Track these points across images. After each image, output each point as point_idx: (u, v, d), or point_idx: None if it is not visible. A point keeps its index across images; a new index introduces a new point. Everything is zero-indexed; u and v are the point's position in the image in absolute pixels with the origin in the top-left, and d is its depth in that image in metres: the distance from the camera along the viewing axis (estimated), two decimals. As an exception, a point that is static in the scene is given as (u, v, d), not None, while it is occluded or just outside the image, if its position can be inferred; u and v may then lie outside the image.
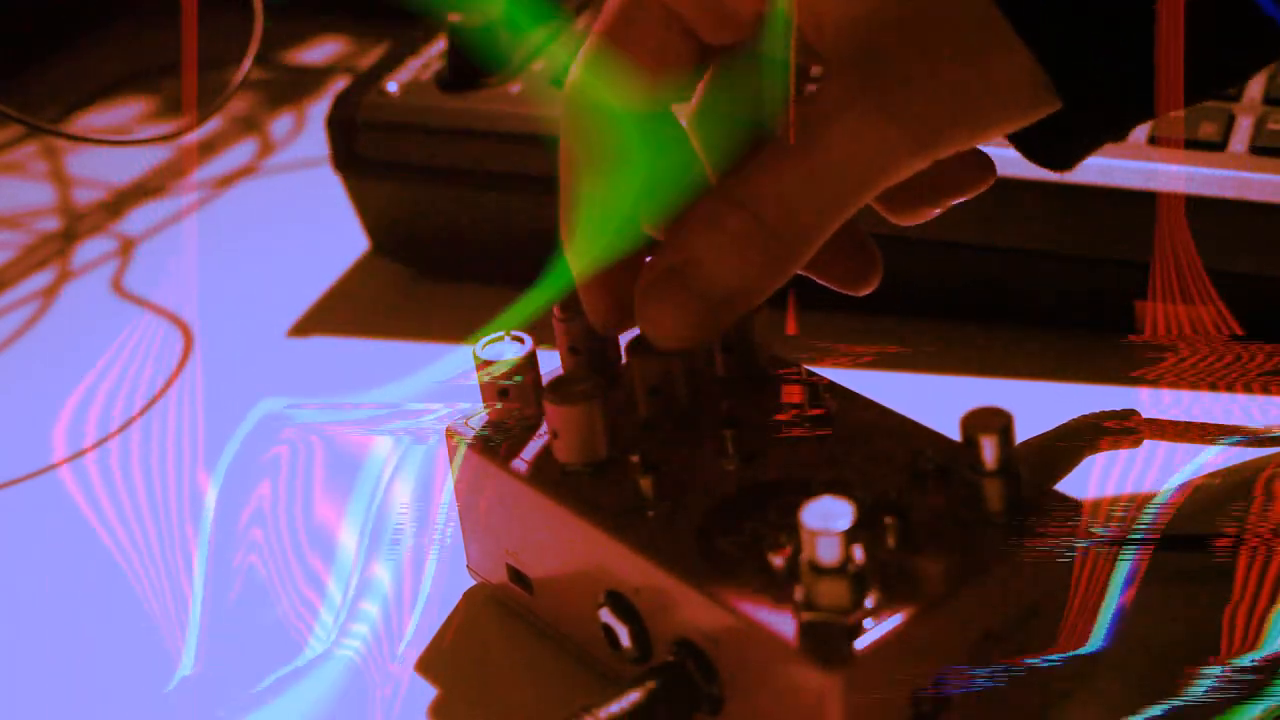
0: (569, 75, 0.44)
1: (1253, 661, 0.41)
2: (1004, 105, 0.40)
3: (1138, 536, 0.44)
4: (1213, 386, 0.49)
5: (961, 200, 0.46)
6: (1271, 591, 0.42)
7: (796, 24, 0.42)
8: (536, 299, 0.47)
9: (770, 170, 0.41)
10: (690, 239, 0.42)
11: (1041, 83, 0.40)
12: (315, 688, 0.46)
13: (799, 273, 0.44)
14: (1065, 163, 0.43)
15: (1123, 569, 0.42)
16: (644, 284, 0.42)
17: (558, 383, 0.44)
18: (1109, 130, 0.42)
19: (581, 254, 0.44)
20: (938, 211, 0.46)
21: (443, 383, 0.54)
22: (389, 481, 0.53)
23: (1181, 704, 0.41)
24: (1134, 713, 0.41)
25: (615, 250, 0.44)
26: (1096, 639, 0.41)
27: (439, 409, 0.52)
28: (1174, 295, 0.45)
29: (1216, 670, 0.41)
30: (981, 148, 0.45)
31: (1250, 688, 0.41)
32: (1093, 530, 0.42)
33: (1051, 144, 0.42)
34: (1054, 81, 0.39)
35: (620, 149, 0.43)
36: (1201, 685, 0.41)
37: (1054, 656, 0.41)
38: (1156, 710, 0.41)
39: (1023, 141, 0.42)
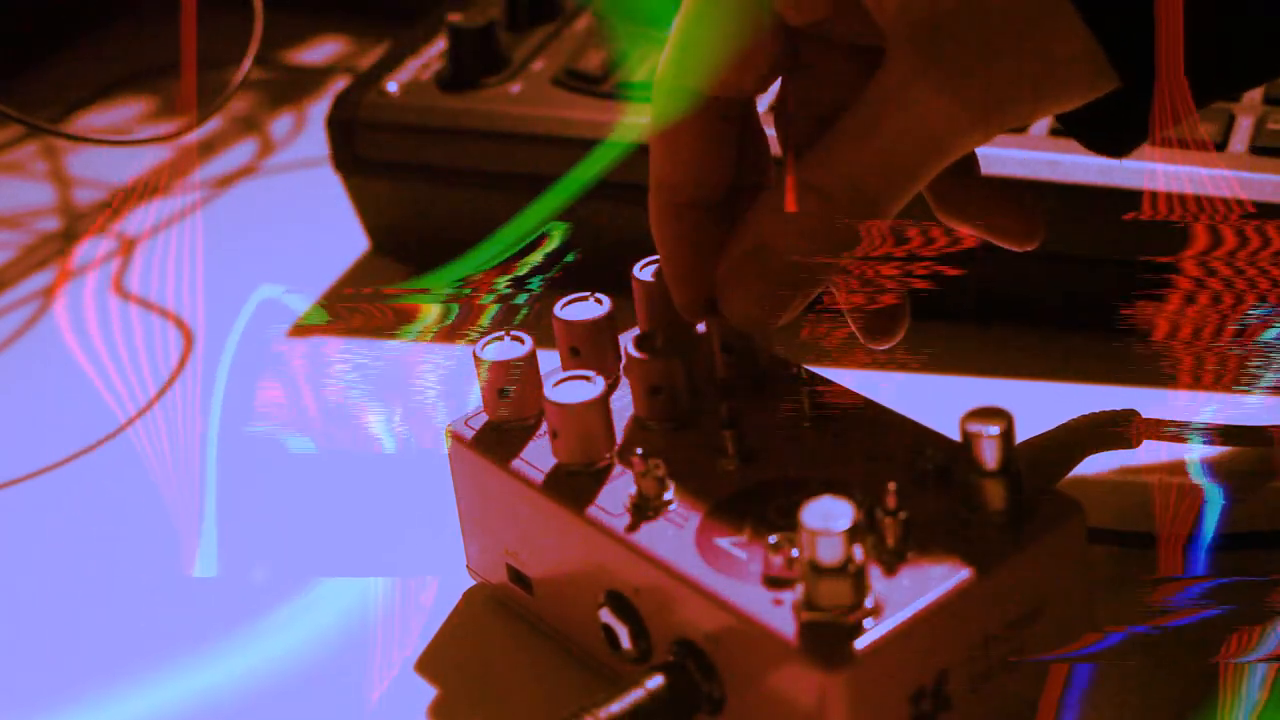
0: (659, 64, 0.45)
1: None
2: (1063, 83, 0.41)
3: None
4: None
5: (994, 243, 0.47)
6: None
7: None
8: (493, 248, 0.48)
9: (836, 150, 0.42)
10: (764, 223, 0.43)
11: (1100, 61, 0.40)
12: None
13: (962, 228, 0.46)
14: (1119, 148, 0.43)
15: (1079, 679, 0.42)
16: (723, 269, 0.44)
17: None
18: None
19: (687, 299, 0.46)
20: (977, 226, 0.47)
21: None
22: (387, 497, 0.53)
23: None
24: None
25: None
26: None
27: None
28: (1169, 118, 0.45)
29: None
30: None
31: None
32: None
33: (1108, 128, 0.43)
34: (1111, 60, 0.40)
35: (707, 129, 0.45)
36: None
37: None
38: None
39: (1080, 127, 0.43)
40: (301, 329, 0.64)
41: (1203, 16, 0.40)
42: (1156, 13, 0.40)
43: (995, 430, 0.40)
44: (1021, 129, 0.55)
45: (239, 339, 0.58)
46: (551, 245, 0.51)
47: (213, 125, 0.79)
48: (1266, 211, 0.52)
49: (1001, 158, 0.55)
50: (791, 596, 0.39)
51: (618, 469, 0.44)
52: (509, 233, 0.54)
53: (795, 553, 0.39)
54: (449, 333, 0.52)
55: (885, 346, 0.47)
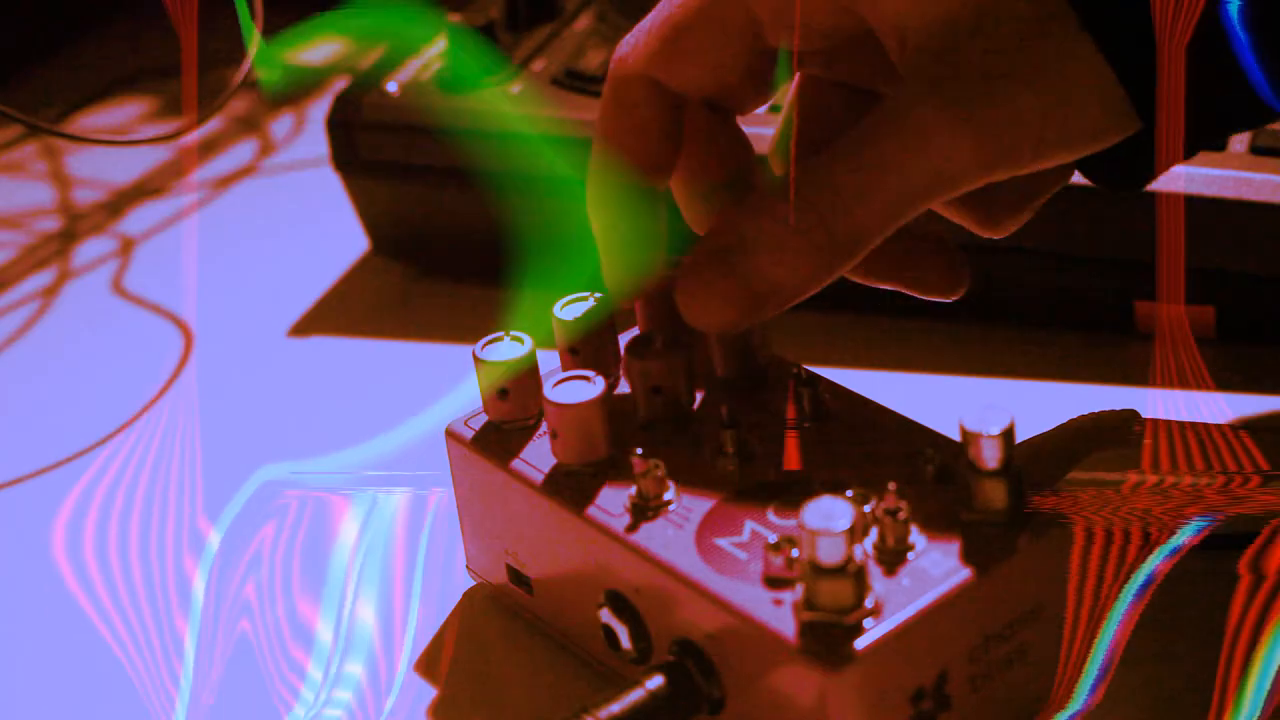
0: (625, 43, 0.44)
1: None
2: (1080, 124, 0.39)
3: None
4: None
5: (1046, 199, 0.46)
6: (1252, 638, 0.41)
7: (874, 41, 0.42)
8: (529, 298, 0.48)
9: (829, 169, 0.40)
10: (742, 223, 0.42)
11: (1120, 106, 0.39)
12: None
13: (881, 285, 0.44)
14: (1139, 185, 0.42)
15: (1111, 623, 0.42)
16: (689, 261, 0.42)
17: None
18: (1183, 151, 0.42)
19: (617, 281, 0.45)
20: (1026, 217, 0.46)
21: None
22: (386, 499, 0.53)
23: None
24: None
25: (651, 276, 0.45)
26: (1082, 694, 0.41)
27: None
28: (1174, 296, 0.45)
29: None
30: None
31: None
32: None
33: (1126, 168, 0.41)
34: (1135, 102, 0.39)
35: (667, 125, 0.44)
36: None
37: None
38: None
39: (1093, 166, 0.42)
40: (301, 328, 0.64)
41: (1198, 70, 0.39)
42: (1159, 55, 0.39)
43: (995, 430, 0.40)
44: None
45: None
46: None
47: (213, 125, 0.79)
48: (1267, 211, 0.52)
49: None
50: (791, 596, 0.39)
51: (617, 469, 0.44)
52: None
53: (795, 553, 0.39)
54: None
55: (953, 299, 0.46)
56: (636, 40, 0.44)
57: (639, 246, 0.44)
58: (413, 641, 0.48)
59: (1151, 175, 0.42)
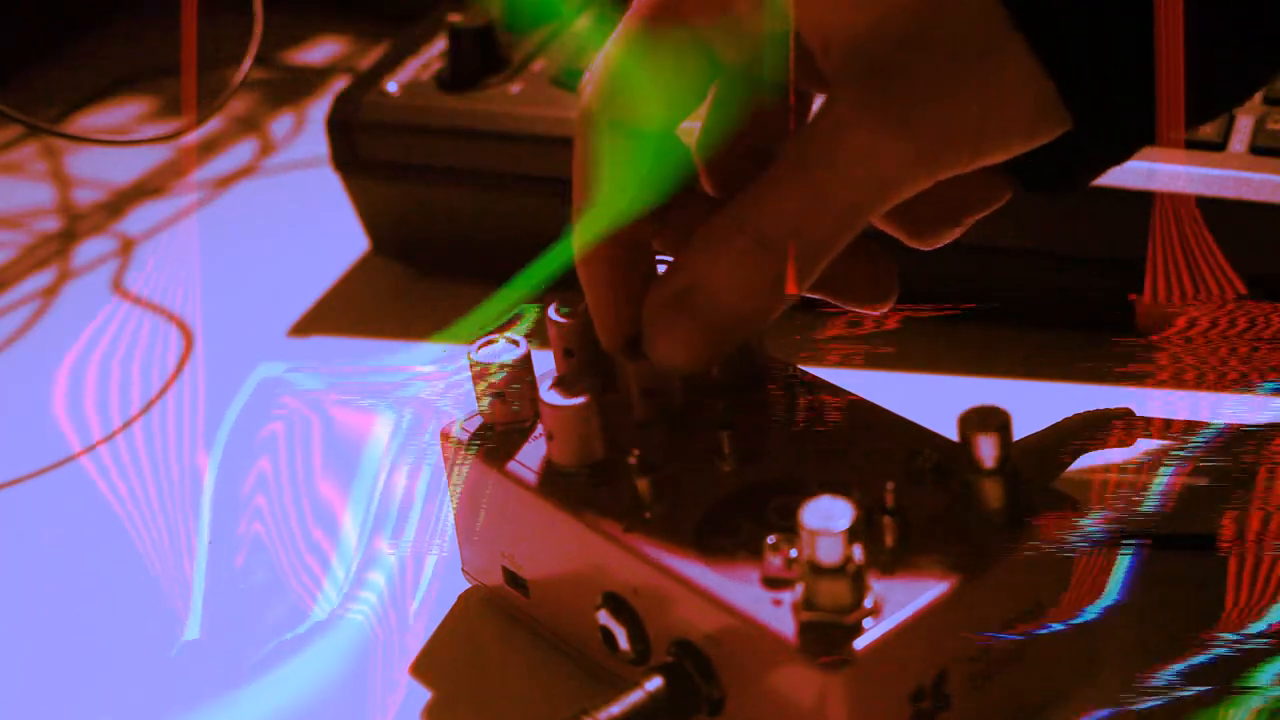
0: (586, 85, 0.43)
1: (1266, 628, 0.41)
2: (1015, 123, 0.39)
3: (1136, 536, 0.44)
4: (1221, 369, 0.48)
5: (980, 216, 0.46)
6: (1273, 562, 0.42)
7: (801, 46, 0.42)
8: (515, 293, 0.47)
9: (773, 189, 0.40)
10: (695, 262, 0.42)
11: (1053, 103, 0.39)
12: (320, 654, 0.46)
13: (812, 296, 0.44)
14: (1069, 188, 0.42)
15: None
16: (650, 309, 0.42)
17: (553, 384, 0.44)
18: (1115, 153, 0.42)
19: (587, 230, 0.44)
20: (959, 231, 0.46)
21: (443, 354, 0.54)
22: (390, 464, 0.53)
23: (1189, 668, 0.41)
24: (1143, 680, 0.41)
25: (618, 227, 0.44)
26: (1104, 600, 0.41)
27: (435, 376, 0.52)
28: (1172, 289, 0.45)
29: (1230, 636, 0.41)
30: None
31: (1261, 654, 0.41)
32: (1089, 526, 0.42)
33: (1056, 169, 0.42)
34: (1067, 101, 0.39)
35: (633, 164, 0.43)
36: (1211, 653, 0.41)
37: (1058, 624, 0.41)
38: (1169, 674, 0.41)
39: (1023, 168, 0.42)
40: (301, 328, 0.64)
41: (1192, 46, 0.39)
42: (1156, 28, 0.39)
43: (993, 429, 0.40)
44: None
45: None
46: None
47: (213, 125, 0.79)
48: (1267, 211, 0.52)
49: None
50: (791, 596, 0.39)
51: (614, 471, 0.44)
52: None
53: (794, 553, 0.39)
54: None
55: (881, 311, 0.46)
56: (590, 81, 0.43)
57: (629, 300, 0.44)
58: (409, 646, 0.48)
59: (1084, 183, 0.42)
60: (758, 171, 0.41)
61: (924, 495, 0.41)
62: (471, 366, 0.45)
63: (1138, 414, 0.48)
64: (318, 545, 0.50)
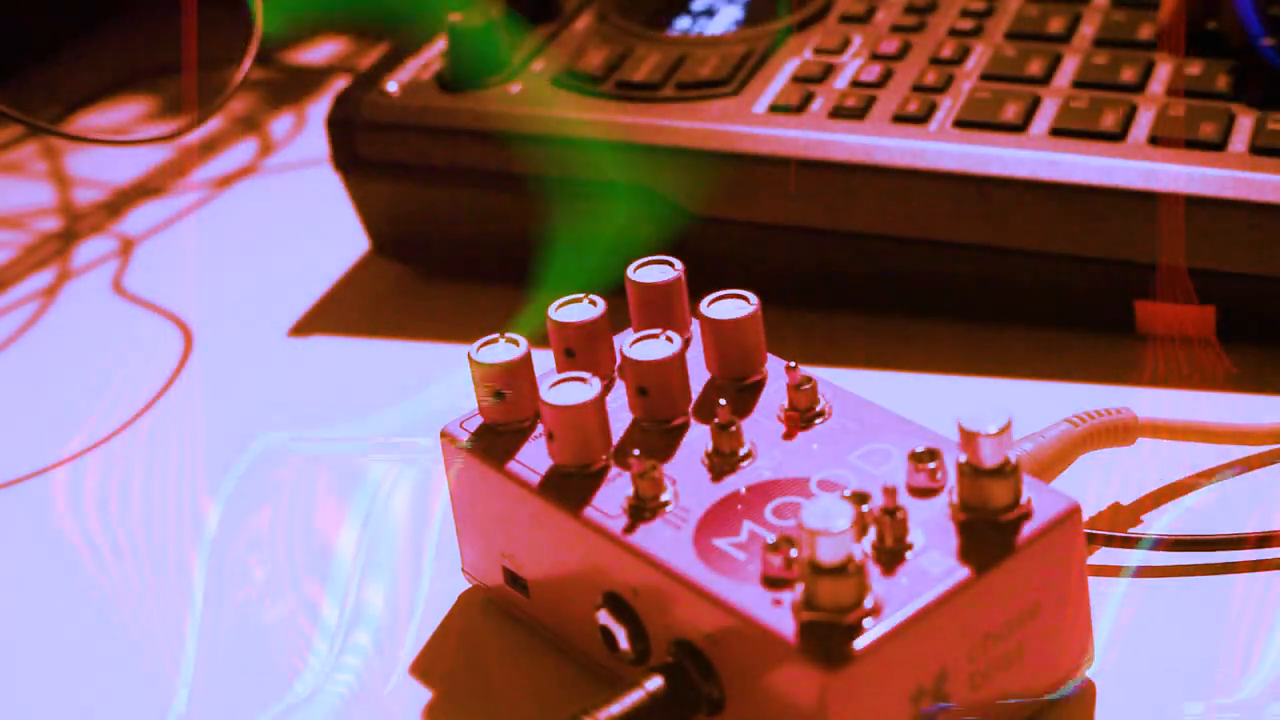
0: None
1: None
2: None
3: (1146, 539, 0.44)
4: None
5: None
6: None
7: None
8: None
9: None
10: None
11: None
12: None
13: None
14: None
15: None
16: None
17: (554, 384, 0.44)
18: None
19: None
20: None
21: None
22: (384, 501, 0.53)
23: None
24: None
25: None
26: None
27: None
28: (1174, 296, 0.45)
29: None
30: None
31: None
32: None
33: None
34: None
35: None
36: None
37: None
38: None
39: None
40: (301, 328, 0.64)
41: None
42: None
43: (993, 429, 0.40)
44: (1021, 128, 0.55)
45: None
46: None
47: (213, 125, 0.79)
48: (1267, 211, 0.52)
49: (1002, 157, 0.55)
50: (791, 596, 0.39)
51: (614, 470, 0.44)
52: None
53: (794, 553, 0.39)
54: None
55: None
56: None
57: None
58: (408, 646, 0.48)
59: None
60: None
61: (924, 495, 0.41)
62: (471, 365, 0.45)
63: (1138, 414, 0.48)
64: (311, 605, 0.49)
